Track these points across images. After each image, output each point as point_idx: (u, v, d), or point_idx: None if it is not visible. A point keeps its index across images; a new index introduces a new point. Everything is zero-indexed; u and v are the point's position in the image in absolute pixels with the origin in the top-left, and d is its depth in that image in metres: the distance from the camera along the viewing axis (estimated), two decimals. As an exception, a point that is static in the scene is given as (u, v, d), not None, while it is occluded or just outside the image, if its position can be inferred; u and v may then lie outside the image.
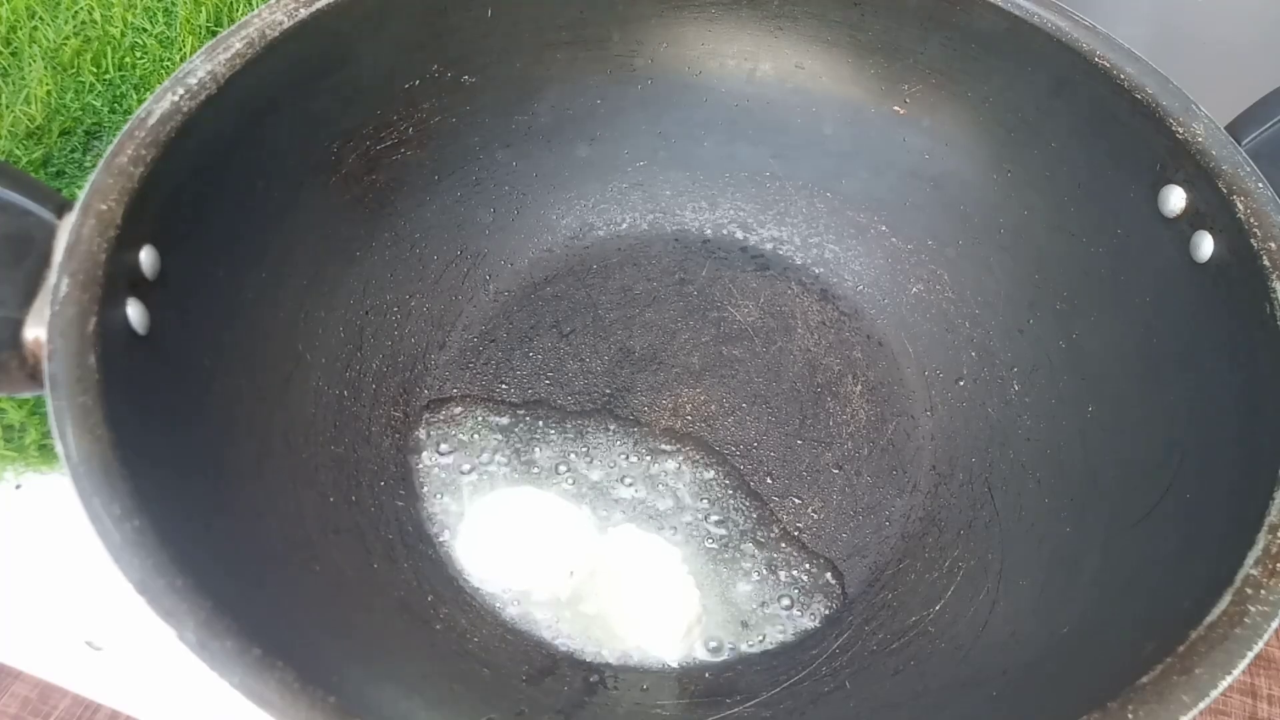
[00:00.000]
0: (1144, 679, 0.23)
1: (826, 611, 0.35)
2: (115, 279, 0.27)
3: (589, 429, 0.39)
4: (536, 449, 0.39)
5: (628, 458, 0.39)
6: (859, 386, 0.42)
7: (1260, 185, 0.31)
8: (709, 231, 0.46)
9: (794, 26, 0.42)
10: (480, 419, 0.40)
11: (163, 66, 0.50)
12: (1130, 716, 0.23)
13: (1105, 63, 0.35)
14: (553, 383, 0.41)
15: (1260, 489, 0.26)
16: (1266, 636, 0.24)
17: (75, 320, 0.26)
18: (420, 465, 0.38)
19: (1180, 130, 0.33)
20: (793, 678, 0.33)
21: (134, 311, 0.28)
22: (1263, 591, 0.24)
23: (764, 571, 0.36)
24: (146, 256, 0.29)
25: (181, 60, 0.49)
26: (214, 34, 0.48)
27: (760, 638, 0.35)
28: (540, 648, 0.34)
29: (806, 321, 0.43)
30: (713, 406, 0.41)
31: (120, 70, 0.50)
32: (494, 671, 0.32)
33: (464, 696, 0.31)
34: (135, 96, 0.49)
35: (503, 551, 0.36)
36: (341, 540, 0.33)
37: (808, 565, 0.37)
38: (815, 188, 0.45)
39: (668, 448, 0.39)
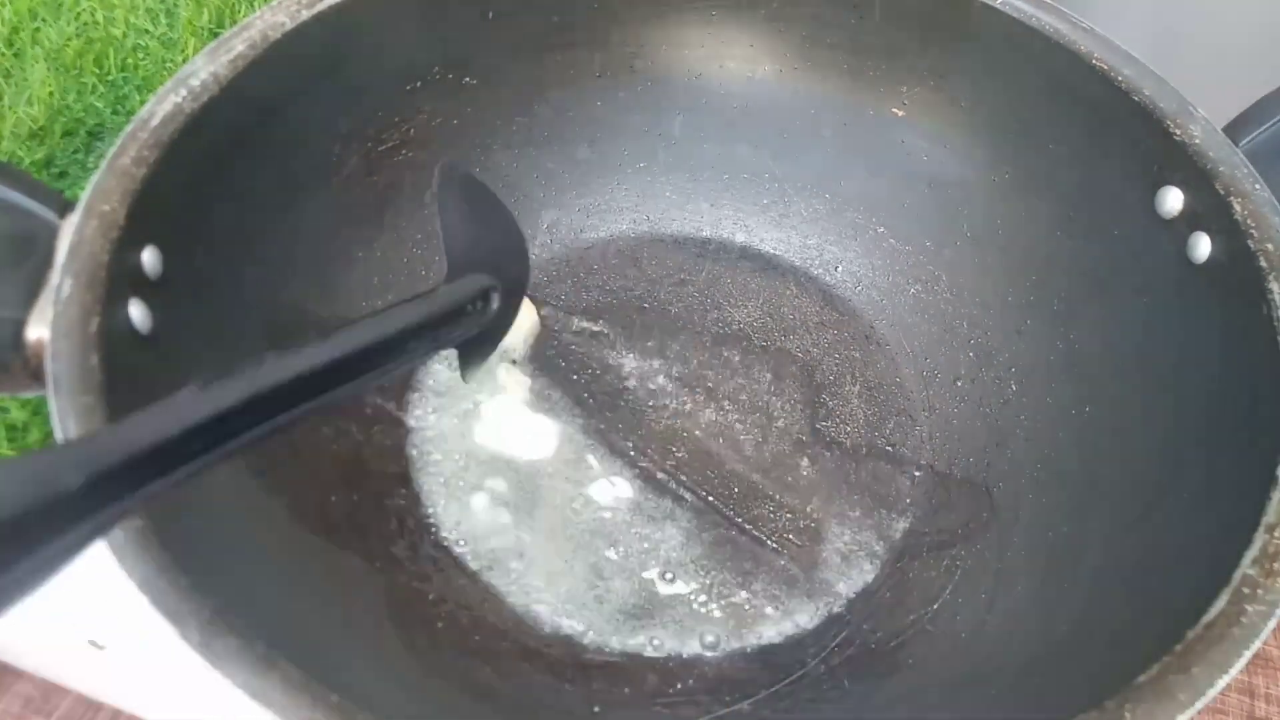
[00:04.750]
0: (1141, 678, 0.23)
1: (825, 610, 0.36)
2: (118, 279, 0.27)
3: (588, 428, 0.40)
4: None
5: (626, 457, 0.39)
6: (857, 386, 0.42)
7: (1257, 186, 0.31)
8: (709, 232, 0.46)
9: (793, 29, 0.42)
10: (478, 418, 0.40)
11: (165, 68, 0.51)
12: (1128, 715, 0.23)
13: (1103, 65, 0.35)
14: (552, 383, 0.41)
15: (1257, 489, 0.26)
16: (1264, 636, 0.24)
17: (78, 320, 0.26)
18: (420, 462, 0.38)
19: (1178, 132, 0.33)
20: (791, 676, 0.33)
21: (136, 312, 0.28)
22: (1260, 591, 0.24)
23: (762, 570, 0.36)
24: (149, 257, 0.29)
25: (184, 61, 0.49)
26: (216, 35, 0.48)
27: (758, 636, 0.35)
28: (542, 646, 0.34)
29: (805, 322, 0.44)
30: (711, 406, 0.41)
31: (123, 71, 0.50)
32: (495, 670, 0.32)
33: (466, 695, 0.31)
34: (138, 97, 0.49)
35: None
36: (343, 539, 0.33)
37: (806, 564, 0.37)
38: (814, 189, 0.45)
39: (666, 447, 0.39)
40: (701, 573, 0.36)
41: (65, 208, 0.28)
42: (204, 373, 0.20)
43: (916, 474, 0.39)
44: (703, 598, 0.36)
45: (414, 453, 0.38)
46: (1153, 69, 0.34)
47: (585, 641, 0.34)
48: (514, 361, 0.40)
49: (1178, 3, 0.53)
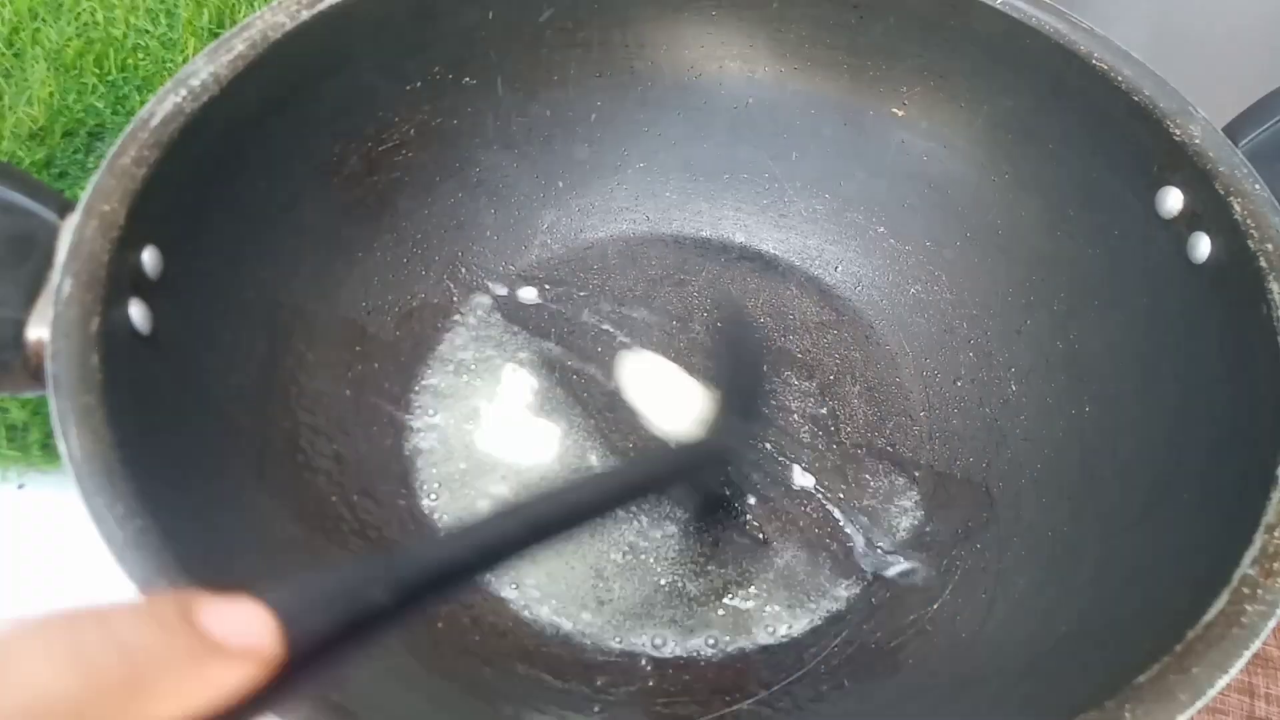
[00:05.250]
0: (1141, 678, 0.23)
1: (825, 610, 0.36)
2: (118, 279, 0.27)
3: (588, 430, 0.40)
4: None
5: (627, 457, 0.39)
6: (857, 386, 0.42)
7: (1257, 186, 0.31)
8: (708, 232, 0.46)
9: (793, 29, 0.42)
10: (479, 418, 0.40)
11: (165, 68, 0.51)
12: (1128, 715, 0.23)
13: (1103, 65, 0.35)
14: (553, 384, 0.41)
15: (1257, 489, 0.26)
16: (1264, 636, 0.24)
17: (78, 320, 0.26)
18: (421, 462, 0.38)
19: (1178, 132, 0.33)
20: (792, 675, 0.33)
21: (136, 312, 0.28)
22: (1260, 591, 0.24)
23: (762, 570, 0.36)
24: (149, 257, 0.29)
25: (184, 62, 0.49)
26: (216, 35, 0.48)
27: (759, 636, 0.35)
28: (542, 646, 0.34)
29: (805, 322, 0.44)
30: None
31: (123, 71, 0.50)
32: (495, 669, 0.32)
33: (466, 694, 0.31)
34: (138, 98, 0.49)
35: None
36: (343, 539, 0.33)
37: (806, 563, 0.37)
38: (814, 189, 0.45)
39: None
40: (702, 573, 0.36)
41: (65, 208, 0.28)
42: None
43: (916, 474, 0.39)
44: (703, 598, 0.36)
45: (415, 453, 0.38)
46: (1152, 69, 0.34)
47: (585, 641, 0.34)
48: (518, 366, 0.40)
49: (1178, 3, 0.53)
